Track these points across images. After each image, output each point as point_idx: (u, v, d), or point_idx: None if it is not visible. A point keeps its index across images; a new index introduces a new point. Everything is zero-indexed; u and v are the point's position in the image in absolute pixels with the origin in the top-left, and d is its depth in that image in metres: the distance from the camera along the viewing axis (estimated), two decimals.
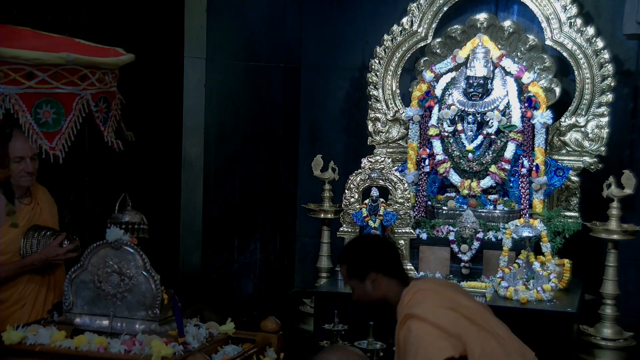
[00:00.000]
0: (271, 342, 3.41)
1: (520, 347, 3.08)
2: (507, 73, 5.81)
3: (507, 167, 5.71)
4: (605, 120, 5.91)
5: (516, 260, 5.21)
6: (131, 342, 3.20)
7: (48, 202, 3.98)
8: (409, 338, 2.82)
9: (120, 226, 3.45)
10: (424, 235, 5.54)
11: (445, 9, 6.24)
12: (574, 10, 5.89)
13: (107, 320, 3.34)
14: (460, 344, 2.84)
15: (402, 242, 5.53)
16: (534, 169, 5.62)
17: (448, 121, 5.85)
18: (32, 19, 4.62)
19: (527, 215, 5.54)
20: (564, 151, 6.00)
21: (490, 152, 5.75)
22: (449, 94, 5.89)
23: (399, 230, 5.51)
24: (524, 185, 5.66)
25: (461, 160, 5.81)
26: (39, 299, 3.80)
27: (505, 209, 5.65)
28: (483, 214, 5.63)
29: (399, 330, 2.88)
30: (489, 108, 5.76)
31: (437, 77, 5.99)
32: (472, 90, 5.76)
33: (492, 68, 5.79)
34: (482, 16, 6.11)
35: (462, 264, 5.38)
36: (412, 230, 5.50)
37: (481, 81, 5.75)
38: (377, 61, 6.36)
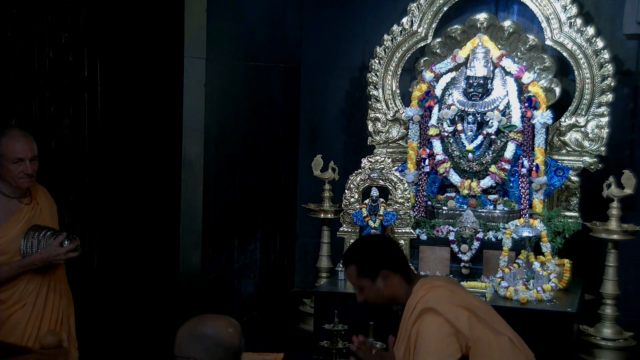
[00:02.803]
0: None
1: (527, 351, 3.10)
2: (507, 73, 5.81)
3: (507, 167, 5.71)
4: (605, 120, 5.91)
5: (516, 260, 5.20)
6: None
7: (48, 202, 3.98)
8: (422, 331, 2.83)
9: None
10: (423, 236, 5.54)
11: (445, 9, 6.24)
12: (574, 10, 5.89)
13: None
14: (467, 345, 2.86)
15: (402, 242, 5.53)
16: (534, 169, 5.62)
17: (448, 121, 5.85)
18: (32, 19, 4.62)
19: (527, 215, 5.54)
20: (564, 151, 6.00)
21: (490, 152, 5.75)
22: (449, 94, 5.89)
23: (399, 230, 5.51)
24: (524, 185, 5.66)
25: (461, 160, 5.81)
26: (39, 299, 3.79)
27: (505, 209, 5.65)
28: (483, 214, 5.63)
29: (411, 323, 2.88)
30: (489, 108, 5.76)
31: (437, 77, 5.99)
32: (472, 90, 5.76)
33: (492, 68, 5.79)
34: (482, 16, 6.11)
35: (462, 264, 5.38)
36: (412, 230, 5.50)
37: (481, 81, 5.75)
38: (377, 61, 6.36)
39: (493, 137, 5.75)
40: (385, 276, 2.96)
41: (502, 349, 2.94)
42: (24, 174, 3.73)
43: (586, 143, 5.94)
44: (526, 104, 5.69)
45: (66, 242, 3.79)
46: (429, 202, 5.87)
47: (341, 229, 5.68)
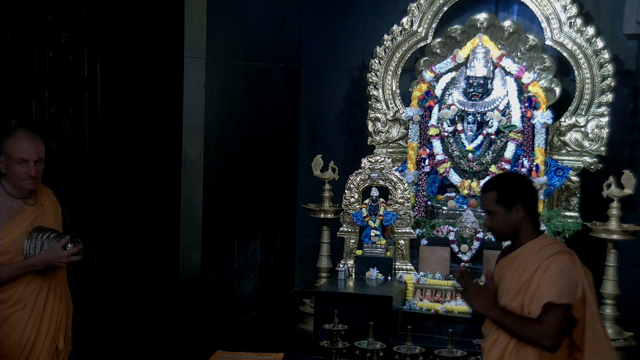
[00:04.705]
0: None
1: None
2: (507, 73, 5.81)
3: (507, 167, 5.71)
4: (605, 120, 5.91)
5: None
6: None
7: (52, 203, 3.95)
8: (558, 266, 3.12)
9: None
10: (424, 241, 5.54)
11: (445, 9, 6.24)
12: (574, 10, 5.89)
13: None
14: (576, 299, 3.12)
15: (402, 242, 5.53)
16: (534, 169, 5.62)
17: (448, 121, 5.85)
18: (32, 19, 4.62)
19: None
20: (564, 151, 6.00)
21: (490, 152, 5.76)
22: (449, 94, 5.89)
23: (399, 230, 5.51)
24: None
25: (461, 160, 5.81)
26: (39, 300, 3.78)
27: None
28: (483, 214, 5.62)
29: (543, 257, 3.15)
30: (489, 108, 5.76)
31: (437, 77, 5.99)
32: (472, 90, 5.77)
33: (492, 68, 5.79)
34: (482, 16, 6.11)
35: (462, 263, 5.38)
36: (412, 230, 5.50)
37: (481, 81, 5.75)
38: (377, 61, 6.36)
39: (493, 137, 5.75)
40: (518, 210, 3.23)
41: (599, 331, 3.19)
42: (27, 175, 3.70)
43: (586, 143, 5.94)
44: (526, 104, 5.69)
45: (69, 245, 3.77)
46: (429, 202, 5.87)
47: (341, 229, 5.69)
